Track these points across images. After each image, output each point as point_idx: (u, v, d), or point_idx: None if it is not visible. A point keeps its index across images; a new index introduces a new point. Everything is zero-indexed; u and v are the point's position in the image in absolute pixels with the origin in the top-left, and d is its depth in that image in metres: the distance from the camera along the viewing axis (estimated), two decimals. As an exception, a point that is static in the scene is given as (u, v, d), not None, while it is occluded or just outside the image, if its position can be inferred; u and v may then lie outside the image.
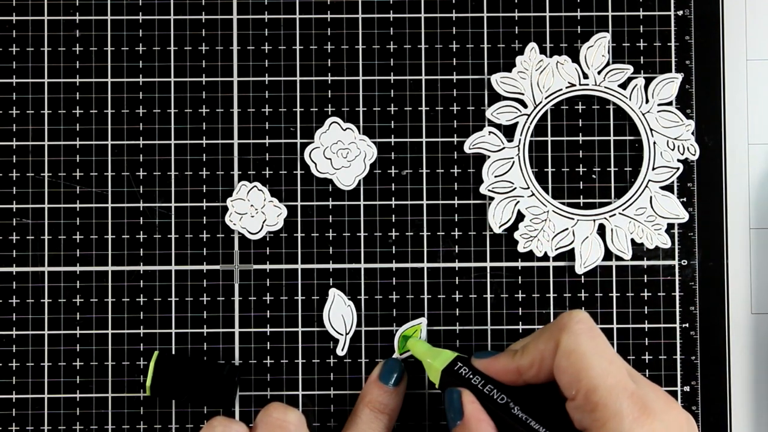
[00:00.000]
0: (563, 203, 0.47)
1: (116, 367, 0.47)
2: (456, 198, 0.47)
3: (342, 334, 0.46)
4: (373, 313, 0.47)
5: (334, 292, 0.47)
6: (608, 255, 0.47)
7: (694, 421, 0.35)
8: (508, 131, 0.47)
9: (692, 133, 0.47)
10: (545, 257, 0.47)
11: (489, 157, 0.47)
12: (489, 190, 0.47)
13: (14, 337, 0.47)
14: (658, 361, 0.47)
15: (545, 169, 0.47)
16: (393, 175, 0.47)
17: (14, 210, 0.47)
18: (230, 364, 0.46)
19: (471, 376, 0.39)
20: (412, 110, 0.47)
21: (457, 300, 0.47)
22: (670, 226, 0.47)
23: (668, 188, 0.47)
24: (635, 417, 0.33)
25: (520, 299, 0.47)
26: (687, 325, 0.47)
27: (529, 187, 0.47)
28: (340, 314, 0.46)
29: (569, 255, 0.47)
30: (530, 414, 0.36)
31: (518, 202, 0.47)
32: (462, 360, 0.40)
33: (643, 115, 0.47)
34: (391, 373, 0.44)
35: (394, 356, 0.46)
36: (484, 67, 0.48)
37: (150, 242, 0.47)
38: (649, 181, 0.47)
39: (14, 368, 0.47)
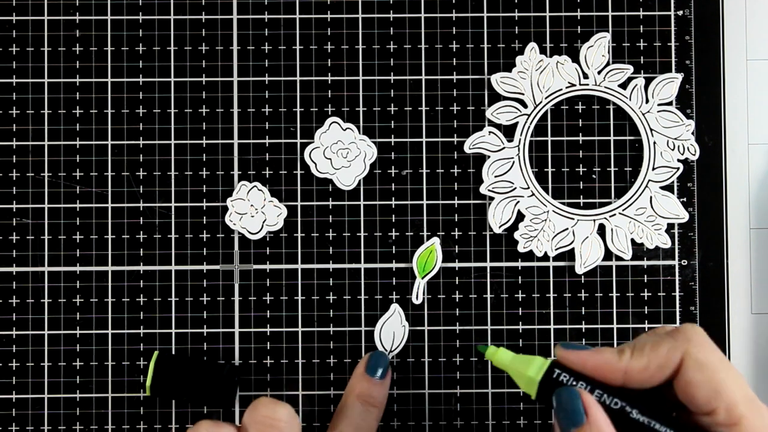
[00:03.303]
0: (563, 203, 0.47)
1: (116, 367, 0.47)
2: (456, 198, 0.47)
3: (386, 350, 0.46)
4: (373, 313, 0.47)
5: (395, 308, 0.46)
6: (608, 255, 0.47)
7: None
8: (508, 131, 0.47)
9: (692, 133, 0.47)
10: (545, 257, 0.47)
11: (489, 157, 0.47)
12: (489, 190, 0.47)
13: (14, 337, 0.47)
14: (658, 361, 0.47)
15: (545, 169, 0.47)
16: (393, 175, 0.47)
17: (14, 210, 0.47)
18: (230, 364, 0.46)
19: (574, 383, 0.36)
20: (412, 110, 0.47)
21: (457, 300, 0.47)
22: (670, 226, 0.47)
23: (668, 188, 0.47)
24: None
25: (520, 299, 0.47)
26: (687, 325, 0.47)
27: (529, 187, 0.47)
28: (392, 330, 0.46)
29: (569, 255, 0.47)
30: (653, 417, 0.35)
31: (518, 202, 0.47)
32: (558, 366, 0.37)
33: (643, 115, 0.47)
34: (377, 367, 0.44)
35: (380, 350, 0.46)
36: (484, 67, 0.48)
37: (150, 242, 0.47)
38: (649, 181, 0.47)
39: (14, 368, 0.47)
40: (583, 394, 0.35)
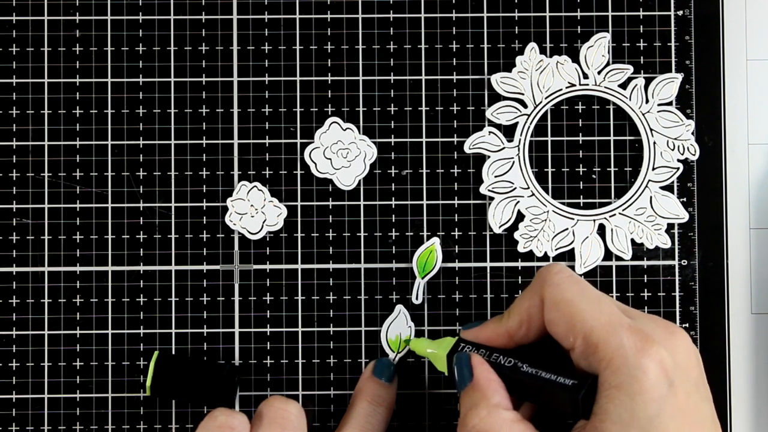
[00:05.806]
0: (563, 203, 0.47)
1: (116, 367, 0.47)
2: (456, 198, 0.47)
3: (393, 352, 0.46)
4: (373, 313, 0.47)
5: (400, 308, 0.46)
6: (608, 255, 0.47)
7: (697, 349, 0.35)
8: (508, 131, 0.47)
9: (692, 133, 0.47)
10: (545, 257, 0.47)
11: (489, 157, 0.47)
12: (489, 190, 0.47)
13: (14, 337, 0.47)
14: (658, 361, 0.47)
15: (545, 169, 0.47)
16: (393, 175, 0.47)
17: (14, 210, 0.47)
18: (230, 364, 0.46)
19: (476, 351, 0.39)
20: (412, 110, 0.48)
21: (457, 300, 0.47)
22: (670, 226, 0.47)
23: (668, 188, 0.47)
24: (638, 348, 0.32)
25: (520, 299, 0.47)
26: (687, 325, 0.47)
27: (529, 187, 0.47)
28: (398, 332, 0.46)
29: (569, 255, 0.47)
30: (539, 367, 0.36)
31: (518, 202, 0.47)
32: (463, 341, 0.40)
33: (643, 115, 0.47)
34: (384, 369, 0.44)
35: (385, 359, 0.46)
36: (484, 67, 0.48)
37: (150, 242, 0.47)
38: (649, 181, 0.47)
39: (14, 368, 0.47)
40: (471, 357, 0.38)
